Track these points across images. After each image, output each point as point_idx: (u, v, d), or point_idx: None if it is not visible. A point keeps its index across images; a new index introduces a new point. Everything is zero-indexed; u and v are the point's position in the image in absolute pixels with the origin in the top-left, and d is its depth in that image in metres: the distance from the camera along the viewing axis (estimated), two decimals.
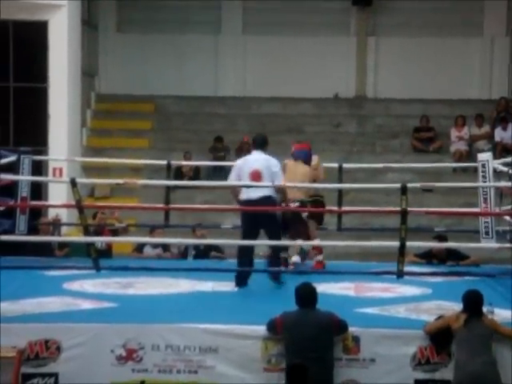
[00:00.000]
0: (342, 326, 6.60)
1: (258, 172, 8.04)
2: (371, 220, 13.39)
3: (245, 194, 8.08)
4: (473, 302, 6.61)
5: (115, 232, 10.63)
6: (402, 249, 7.76)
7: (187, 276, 8.49)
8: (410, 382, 6.64)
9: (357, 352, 6.64)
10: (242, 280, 8.10)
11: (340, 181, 10.03)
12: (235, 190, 8.22)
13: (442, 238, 9.90)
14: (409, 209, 7.77)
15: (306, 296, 6.62)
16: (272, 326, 6.60)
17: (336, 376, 6.57)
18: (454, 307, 6.91)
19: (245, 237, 8.08)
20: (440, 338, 6.62)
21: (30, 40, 13.52)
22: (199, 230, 10.76)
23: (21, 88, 13.81)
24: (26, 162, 9.53)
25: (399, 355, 6.63)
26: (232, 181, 8.15)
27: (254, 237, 8.05)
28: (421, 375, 6.63)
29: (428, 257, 9.64)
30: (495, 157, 9.97)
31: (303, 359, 6.21)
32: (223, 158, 14.75)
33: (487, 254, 10.01)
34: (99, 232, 10.40)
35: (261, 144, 8.26)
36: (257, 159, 8.15)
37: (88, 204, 10.66)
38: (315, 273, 8.41)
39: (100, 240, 10.01)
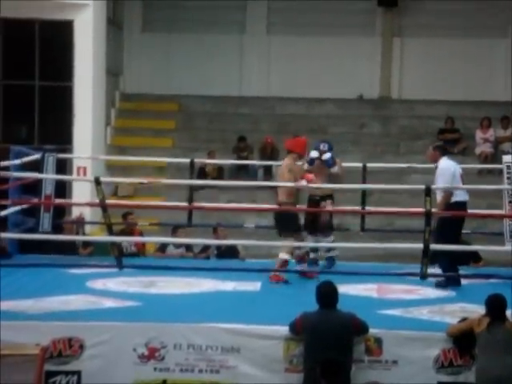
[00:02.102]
0: (362, 328, 6.57)
1: (462, 176, 8.53)
2: (395, 221, 13.33)
3: (458, 197, 8.30)
4: (495, 307, 6.55)
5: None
6: (426, 250, 7.72)
7: (209, 276, 8.50)
8: None
9: (379, 354, 6.61)
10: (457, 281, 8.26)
11: (364, 181, 10.00)
12: (450, 195, 8.31)
13: (464, 243, 9.87)
14: (433, 210, 7.73)
15: (328, 295, 6.60)
16: (292, 327, 6.59)
17: (358, 377, 6.55)
18: (478, 310, 6.86)
19: (451, 240, 8.14)
20: (463, 340, 6.57)
21: (56, 39, 13.60)
22: (222, 231, 10.77)
23: (46, 87, 13.88)
24: (51, 160, 9.57)
25: (422, 357, 6.59)
26: (449, 185, 8.32)
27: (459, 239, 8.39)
28: (444, 378, 6.59)
29: None
30: None
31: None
32: (246, 158, 14.76)
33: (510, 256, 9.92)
34: (128, 234, 10.45)
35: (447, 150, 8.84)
36: (456, 164, 8.60)
37: (112, 202, 10.69)
38: (340, 273, 8.36)
39: (124, 239, 10.04)
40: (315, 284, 6.89)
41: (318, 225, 9.10)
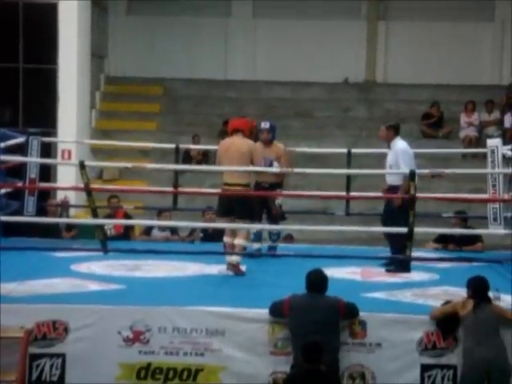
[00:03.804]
0: (349, 310, 6.60)
1: None
2: (379, 205, 13.36)
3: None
4: (479, 289, 6.60)
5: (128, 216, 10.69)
6: (410, 234, 7.76)
7: (195, 259, 8.51)
8: (416, 366, 6.66)
9: (363, 336, 6.65)
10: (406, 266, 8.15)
11: (348, 166, 10.02)
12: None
13: (461, 213, 9.96)
14: (417, 195, 7.76)
15: (317, 282, 6.63)
16: (278, 308, 6.61)
17: (342, 360, 6.59)
18: (461, 293, 6.91)
19: (399, 223, 7.99)
20: (446, 323, 6.62)
21: (40, 21, 13.52)
22: (208, 213, 10.77)
23: (30, 69, 13.81)
24: (35, 143, 9.54)
25: (405, 340, 6.64)
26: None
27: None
28: (427, 360, 6.65)
29: (444, 241, 9.64)
30: (505, 143, 9.94)
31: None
32: None
33: (495, 239, 10.00)
34: (112, 217, 10.44)
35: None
36: None
37: (96, 187, 10.67)
38: (323, 256, 8.38)
39: (108, 222, 10.04)
40: (299, 268, 6.93)
41: (269, 215, 8.88)
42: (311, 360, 6.11)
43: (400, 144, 8.41)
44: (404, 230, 7.82)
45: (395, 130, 8.51)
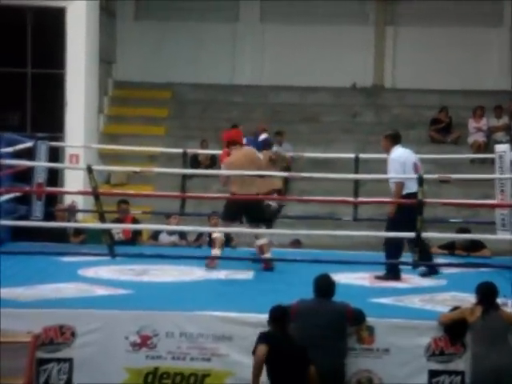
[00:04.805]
0: (356, 316, 6.60)
1: (417, 165, 8.21)
2: (387, 210, 13.34)
3: (410, 188, 8.03)
4: (488, 295, 6.58)
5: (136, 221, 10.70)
6: (418, 240, 7.74)
7: (202, 264, 8.51)
8: (424, 372, 6.64)
9: (371, 342, 6.64)
10: (397, 273, 8.12)
11: (356, 171, 10.01)
12: (402, 186, 8.05)
13: (464, 230, 9.82)
14: (425, 200, 7.75)
15: (325, 287, 6.64)
16: None
17: (350, 365, 6.58)
18: (469, 298, 6.89)
19: (400, 228, 7.91)
20: (454, 329, 6.60)
21: (48, 26, 13.55)
22: (213, 218, 10.77)
23: (38, 74, 13.84)
24: (43, 148, 9.56)
25: (413, 346, 6.62)
26: (399, 174, 8.08)
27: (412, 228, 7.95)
28: (435, 366, 6.63)
29: (451, 248, 9.59)
30: None
31: (315, 347, 6.24)
32: None
33: (503, 245, 9.96)
34: (120, 222, 10.44)
35: (400, 139, 8.35)
36: (409, 152, 8.30)
37: (104, 191, 10.68)
38: (330, 262, 8.36)
39: (116, 227, 10.04)
40: (306, 274, 6.92)
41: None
42: (275, 321, 6.20)
43: (393, 153, 8.22)
44: (412, 235, 7.80)
45: (392, 139, 8.30)
